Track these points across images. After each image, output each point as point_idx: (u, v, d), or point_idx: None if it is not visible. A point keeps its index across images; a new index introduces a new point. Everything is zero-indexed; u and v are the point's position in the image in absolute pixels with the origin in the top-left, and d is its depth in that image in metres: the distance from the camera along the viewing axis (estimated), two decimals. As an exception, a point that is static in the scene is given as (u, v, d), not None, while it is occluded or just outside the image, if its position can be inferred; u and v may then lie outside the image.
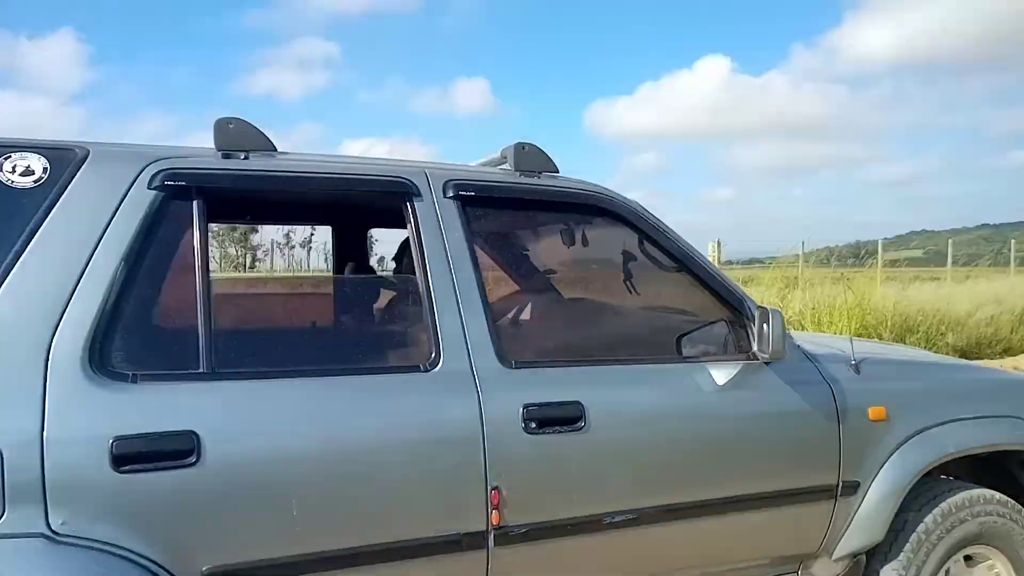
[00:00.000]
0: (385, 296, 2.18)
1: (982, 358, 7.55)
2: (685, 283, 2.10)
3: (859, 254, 9.80)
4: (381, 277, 2.15)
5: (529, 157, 1.97)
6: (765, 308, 1.97)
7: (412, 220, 1.80)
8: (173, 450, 1.43)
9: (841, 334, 5.72)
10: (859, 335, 6.39)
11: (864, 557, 2.16)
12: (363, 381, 1.72)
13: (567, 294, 2.54)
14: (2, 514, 1.31)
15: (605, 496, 1.83)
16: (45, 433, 1.35)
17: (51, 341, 1.41)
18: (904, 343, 6.67)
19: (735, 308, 2.05)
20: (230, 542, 1.50)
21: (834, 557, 2.15)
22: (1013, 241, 12.52)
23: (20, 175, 1.51)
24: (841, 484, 2.08)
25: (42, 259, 1.46)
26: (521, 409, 1.72)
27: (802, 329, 6.37)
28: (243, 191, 1.83)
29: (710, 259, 2.38)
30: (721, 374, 1.96)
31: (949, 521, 2.12)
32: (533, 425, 1.72)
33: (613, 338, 2.15)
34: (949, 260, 11.13)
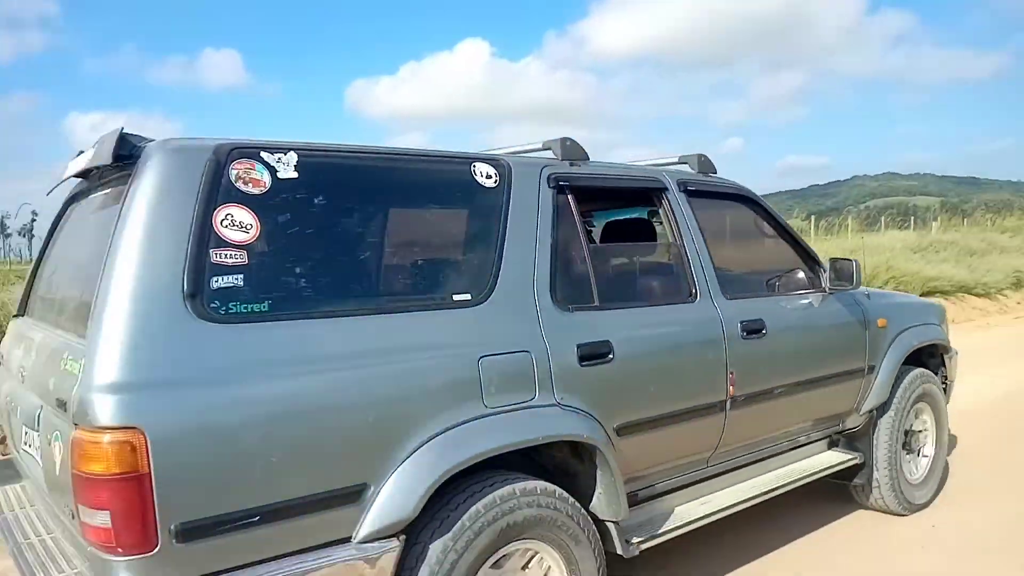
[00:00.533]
0: (660, 254, 3.23)
1: None
2: (791, 246, 3.46)
3: None
4: (657, 242, 3.21)
5: (570, 149, 2.70)
6: (833, 259, 3.35)
7: (667, 205, 2.93)
8: (601, 352, 2.40)
9: None
10: None
11: (875, 412, 3.63)
12: (669, 308, 2.83)
13: (740, 253, 3.69)
14: (535, 395, 2.21)
15: (775, 376, 3.06)
16: (548, 346, 2.26)
17: (534, 289, 2.32)
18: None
19: (815, 261, 3.42)
20: (630, 406, 2.51)
21: (860, 412, 3.58)
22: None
23: (485, 178, 2.36)
24: (868, 366, 3.52)
25: (515, 237, 2.35)
26: (739, 323, 2.87)
27: None
28: (591, 187, 2.78)
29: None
30: (816, 300, 3.30)
31: (915, 385, 3.76)
32: (745, 334, 2.88)
33: (769, 281, 3.36)
34: None
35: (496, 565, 2.16)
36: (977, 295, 14.39)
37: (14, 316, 2.87)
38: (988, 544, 3.49)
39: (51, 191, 2.48)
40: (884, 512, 3.82)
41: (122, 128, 1.83)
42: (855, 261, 3.26)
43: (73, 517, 1.67)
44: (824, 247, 12.35)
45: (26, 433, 2.11)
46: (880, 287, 12.11)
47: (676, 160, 3.31)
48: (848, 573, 3.26)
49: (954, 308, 13.44)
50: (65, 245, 2.56)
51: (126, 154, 1.82)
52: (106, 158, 1.81)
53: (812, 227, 16.47)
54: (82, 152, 2.12)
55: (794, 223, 17.73)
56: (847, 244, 13.52)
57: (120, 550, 1.55)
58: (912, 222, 19.52)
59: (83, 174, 2.12)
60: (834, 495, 3.95)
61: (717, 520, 2.87)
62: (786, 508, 3.74)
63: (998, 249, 16.87)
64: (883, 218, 19.75)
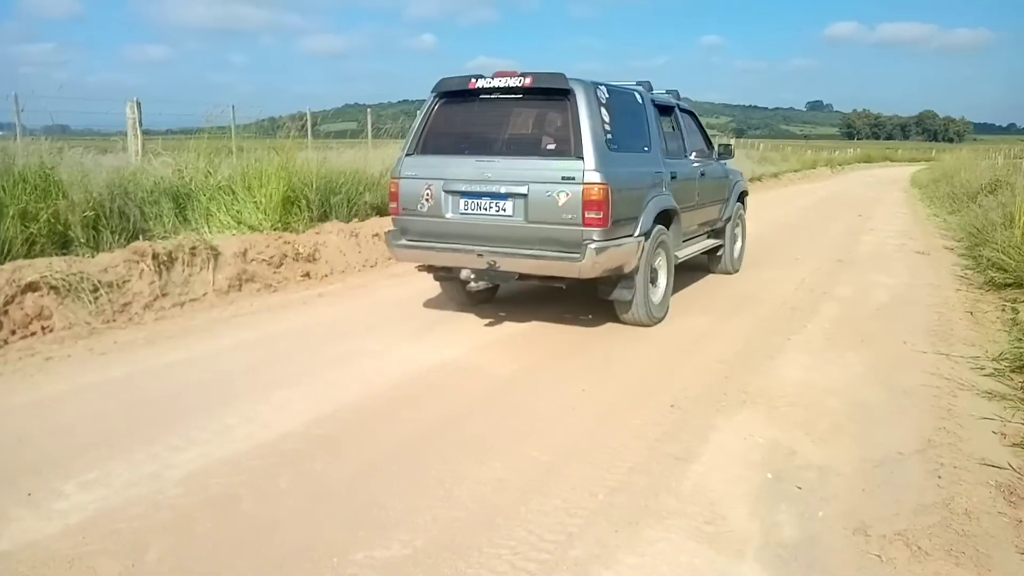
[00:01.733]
0: (679, 136, 6.65)
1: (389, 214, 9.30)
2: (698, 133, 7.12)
3: (300, 124, 10.24)
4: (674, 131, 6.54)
5: (648, 85, 6.12)
6: (721, 145, 7.84)
7: (676, 113, 6.65)
8: (674, 175, 5.86)
9: (273, 196, 7.18)
10: (288, 197, 7.40)
11: (727, 220, 7.33)
12: (687, 160, 6.46)
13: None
14: (664, 190, 5.59)
15: (697, 198, 6.43)
16: (665, 172, 5.67)
17: (661, 149, 5.82)
18: (336, 202, 8.33)
19: (711, 145, 7.24)
20: (680, 200, 5.86)
21: (722, 220, 7.26)
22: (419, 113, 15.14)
23: (642, 99, 5.74)
24: (728, 198, 7.41)
25: (651, 127, 5.79)
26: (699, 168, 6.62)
27: (232, 193, 7.20)
28: (657, 103, 6.06)
29: (128, 120, 7.99)
30: (712, 163, 7.02)
31: (740, 209, 7.80)
32: (701, 175, 6.68)
33: (699, 151, 6.89)
34: (369, 131, 12.70)
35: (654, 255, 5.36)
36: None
37: (407, 155, 5.31)
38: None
39: (469, 81, 5.07)
40: (726, 273, 7.61)
41: (563, 73, 4.78)
42: (730, 145, 8.16)
43: (570, 218, 4.57)
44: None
45: (476, 203, 4.92)
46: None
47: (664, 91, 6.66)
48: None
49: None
50: (476, 133, 5.24)
51: (557, 87, 4.79)
52: (542, 82, 4.82)
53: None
54: (499, 78, 4.91)
55: None
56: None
57: (600, 225, 4.52)
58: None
59: (495, 93, 5.00)
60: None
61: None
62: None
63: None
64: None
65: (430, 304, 5.97)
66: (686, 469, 2.95)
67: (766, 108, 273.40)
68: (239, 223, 7.09)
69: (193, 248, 5.91)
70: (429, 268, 5.43)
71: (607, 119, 4.76)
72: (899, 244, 10.14)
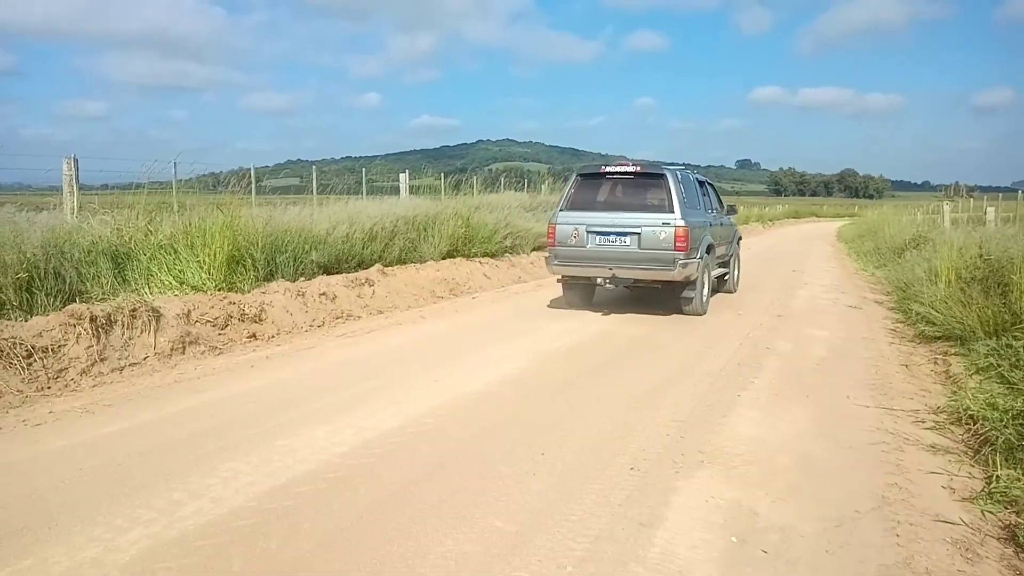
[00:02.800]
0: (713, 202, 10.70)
1: (341, 272, 9.18)
2: (720, 199, 10.93)
3: (243, 180, 10.26)
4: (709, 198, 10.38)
5: (687, 169, 10.01)
6: (730, 205, 11.54)
7: (708, 187, 10.44)
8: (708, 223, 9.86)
9: (218, 255, 7.12)
10: (233, 256, 7.34)
11: (730, 258, 10.96)
12: (719, 215, 10.54)
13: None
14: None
15: (719, 239, 9.83)
16: (708, 222, 9.57)
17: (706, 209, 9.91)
18: (281, 261, 8.36)
19: (722, 204, 10.99)
20: (716, 243, 9.69)
21: (728, 255, 10.69)
22: (364, 171, 15.54)
23: (691, 178, 9.58)
24: (732, 240, 11.08)
25: (702, 196, 9.84)
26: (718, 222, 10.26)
27: (175, 252, 7.09)
28: (698, 180, 9.96)
29: (65, 177, 7.83)
30: (724, 217, 10.71)
31: (737, 248, 11.75)
32: (719, 224, 10.23)
33: (719, 211, 10.65)
34: (315, 186, 13.06)
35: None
36: (576, 249, 16.70)
37: (561, 210, 8.77)
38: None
39: (596, 167, 9.06)
40: (729, 293, 10.95)
41: (670, 164, 8.92)
42: (733, 205, 12.07)
43: (660, 247, 8.12)
44: (454, 204, 13.00)
45: (604, 236, 8.45)
46: (500, 241, 13.28)
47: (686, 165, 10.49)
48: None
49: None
50: (602, 196, 8.92)
51: (655, 172, 8.59)
52: (647, 167, 8.73)
53: (443, 185, 17.03)
54: (619, 166, 8.83)
55: (427, 181, 18.86)
56: (472, 201, 14.38)
57: (683, 251, 8.02)
58: (525, 184, 21.56)
59: (620, 175, 8.88)
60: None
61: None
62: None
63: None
64: (502, 178, 21.27)
65: (382, 364, 5.88)
66: (652, 535, 2.94)
67: (699, 166, 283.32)
68: (181, 283, 6.90)
69: (133, 310, 5.71)
70: (572, 278, 8.98)
71: (683, 190, 8.49)
72: (832, 299, 10.54)
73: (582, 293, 9.27)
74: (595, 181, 8.98)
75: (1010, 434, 3.89)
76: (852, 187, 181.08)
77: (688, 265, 8.11)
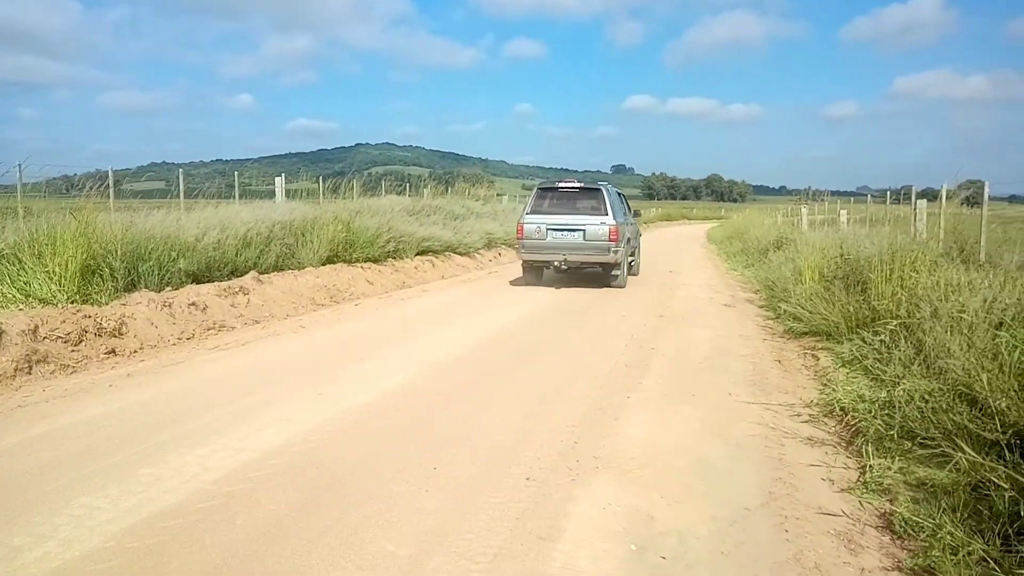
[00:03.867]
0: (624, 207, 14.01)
1: (213, 280, 8.69)
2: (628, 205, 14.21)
3: (101, 183, 9.74)
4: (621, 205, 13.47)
5: (613, 183, 13.67)
6: (636, 211, 16.32)
7: (623, 197, 13.88)
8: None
9: (70, 265, 6.54)
10: (88, 265, 6.82)
11: (635, 249, 14.19)
12: (628, 220, 13.58)
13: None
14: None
15: (631, 234, 13.75)
16: (624, 226, 12.99)
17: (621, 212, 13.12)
18: (145, 269, 7.69)
19: (631, 210, 14.45)
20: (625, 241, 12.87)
21: (635, 247, 14.14)
22: (237, 174, 14.65)
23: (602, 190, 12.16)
24: (638, 236, 15.05)
25: (615, 205, 12.29)
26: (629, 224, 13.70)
27: (19, 262, 6.64)
28: (618, 192, 13.40)
29: None
30: (632, 219, 14.24)
31: (639, 245, 15.13)
32: (629, 224, 13.75)
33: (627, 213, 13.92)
34: (182, 190, 12.62)
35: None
36: (460, 253, 16.56)
37: (527, 214, 12.07)
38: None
39: (552, 183, 12.59)
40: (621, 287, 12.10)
41: (600, 182, 12.49)
42: (639, 211, 17.70)
43: (598, 241, 11.47)
44: (333, 208, 12.57)
45: (559, 232, 11.69)
46: (383, 246, 12.97)
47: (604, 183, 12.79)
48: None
49: (444, 264, 15.20)
50: (556, 204, 12.10)
51: (593, 187, 12.10)
52: (587, 184, 12.25)
53: (321, 189, 16.47)
54: (567, 183, 12.33)
55: (304, 185, 18.23)
56: (353, 205, 13.98)
57: (615, 241, 11.47)
58: (407, 188, 21.23)
59: (569, 190, 12.22)
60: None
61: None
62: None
63: (474, 214, 19.62)
64: (383, 182, 20.87)
65: (260, 378, 5.51)
66: (552, 549, 2.85)
67: (577, 171, 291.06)
68: (27, 296, 6.22)
69: (-34, 328, 5.05)
70: (534, 262, 12.20)
71: (617, 199, 12.20)
72: (708, 298, 10.99)
73: (536, 274, 12.75)
74: (551, 193, 12.37)
75: (879, 424, 4.12)
76: (718, 191, 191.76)
77: (617, 252, 11.61)
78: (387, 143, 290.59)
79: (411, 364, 6.03)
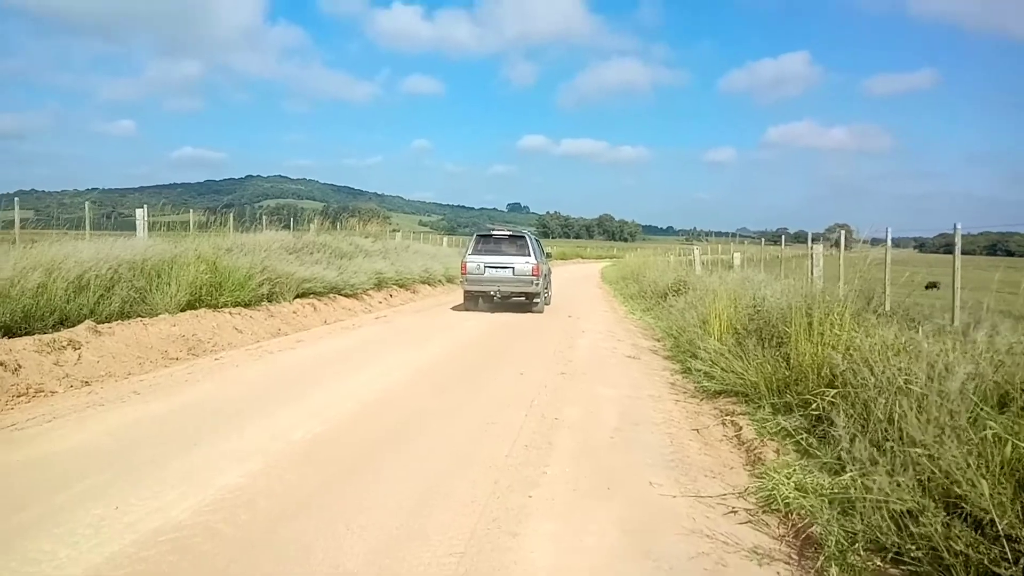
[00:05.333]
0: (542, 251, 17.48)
1: (33, 333, 7.45)
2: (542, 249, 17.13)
3: None
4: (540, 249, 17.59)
5: (535, 232, 22.23)
6: (549, 253, 20.85)
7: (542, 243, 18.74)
8: (545, 272, 18.67)
9: None
10: None
11: (548, 284, 17.24)
12: (545, 261, 18.36)
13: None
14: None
15: (546, 277, 17.23)
16: (543, 265, 17.49)
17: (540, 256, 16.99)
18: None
19: (543, 252, 17.31)
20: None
21: (548, 282, 17.18)
22: (88, 204, 13.28)
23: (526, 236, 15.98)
24: (550, 273, 18.31)
25: (535, 249, 15.64)
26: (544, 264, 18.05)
27: None
28: (537, 238, 17.78)
29: None
30: (546, 260, 18.02)
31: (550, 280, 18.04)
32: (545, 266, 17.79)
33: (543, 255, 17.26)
34: (17, 221, 11.59)
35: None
36: (346, 295, 15.27)
37: (470, 254, 15.48)
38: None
39: (488, 230, 16.29)
40: (540, 312, 15.24)
41: (523, 229, 16.76)
42: (551, 253, 23.44)
43: (524, 276, 14.73)
44: (198, 245, 11.08)
45: (494, 269, 14.80)
46: (255, 289, 11.54)
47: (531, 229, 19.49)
48: None
49: (327, 308, 13.87)
50: (492, 248, 15.24)
51: (519, 234, 15.74)
52: (515, 232, 15.99)
53: (191, 223, 14.90)
54: (499, 230, 16.27)
55: (193, 217, 16.50)
56: (224, 242, 12.51)
57: (537, 276, 14.84)
58: (292, 222, 19.80)
59: (501, 236, 15.74)
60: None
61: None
62: None
63: (364, 253, 18.36)
64: (265, 218, 19.40)
65: (43, 483, 4.15)
66: None
67: (473, 208, 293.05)
68: None
69: None
70: (475, 292, 15.09)
71: (536, 244, 15.60)
72: (610, 347, 10.27)
73: (475, 301, 15.52)
74: (487, 238, 15.59)
75: (838, 533, 3.33)
76: (610, 230, 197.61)
77: (538, 284, 14.91)
78: (280, 175, 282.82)
79: (256, 454, 4.75)
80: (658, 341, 11.33)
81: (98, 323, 8.43)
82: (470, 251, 15.20)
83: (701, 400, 6.88)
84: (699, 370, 7.31)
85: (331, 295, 14.66)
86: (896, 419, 4.04)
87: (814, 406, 5.01)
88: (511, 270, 14.67)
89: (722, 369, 7.09)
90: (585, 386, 7.34)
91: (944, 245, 10.07)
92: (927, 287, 10.47)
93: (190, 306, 10.22)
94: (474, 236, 15.86)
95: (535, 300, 15.18)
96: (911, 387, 4.23)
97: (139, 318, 9.20)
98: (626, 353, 9.80)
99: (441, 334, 11.37)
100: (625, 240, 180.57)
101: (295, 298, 13.13)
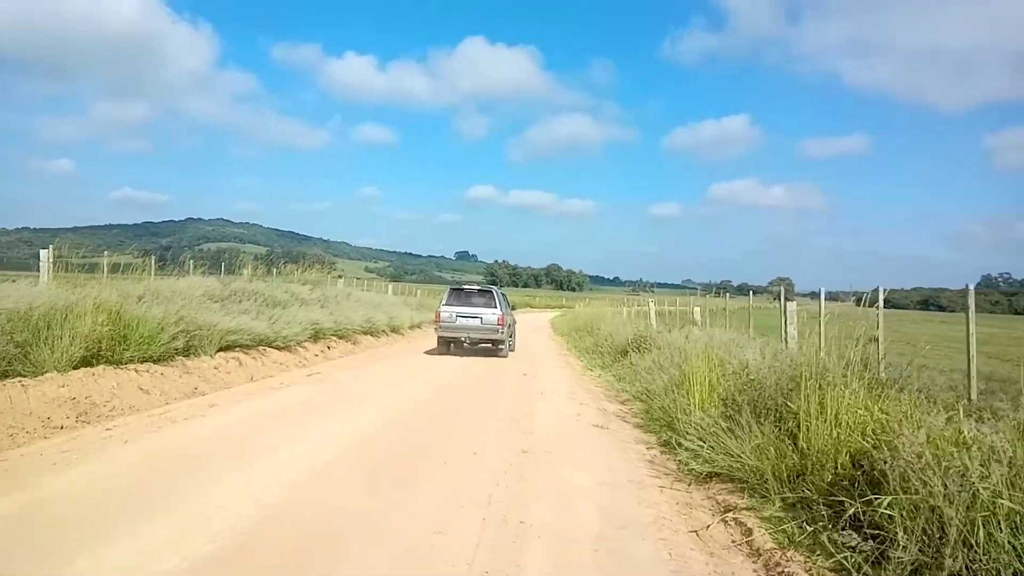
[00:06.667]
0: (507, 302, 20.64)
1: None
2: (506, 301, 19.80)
3: None
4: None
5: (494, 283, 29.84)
6: (511, 306, 24.75)
7: (503, 294, 20.22)
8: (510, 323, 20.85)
9: None
10: None
11: (512, 332, 19.01)
12: (508, 311, 21.10)
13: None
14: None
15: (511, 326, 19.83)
16: (508, 316, 20.42)
17: (505, 308, 19.34)
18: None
19: (508, 303, 20.38)
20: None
21: (513, 330, 19.16)
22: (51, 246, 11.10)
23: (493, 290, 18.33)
24: (514, 322, 20.15)
25: (500, 301, 17.73)
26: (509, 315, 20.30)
27: None
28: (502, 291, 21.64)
29: None
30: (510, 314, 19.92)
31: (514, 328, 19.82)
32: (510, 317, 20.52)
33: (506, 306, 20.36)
34: None
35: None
36: (278, 347, 13.82)
37: (443, 305, 17.22)
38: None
39: (459, 284, 18.09)
40: (504, 357, 16.93)
41: (489, 283, 21.16)
42: (514, 305, 31.87)
43: (491, 325, 16.57)
44: (96, 292, 9.54)
45: (465, 319, 16.65)
46: (168, 342, 10.03)
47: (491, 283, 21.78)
48: None
49: (255, 363, 12.39)
50: (462, 299, 17.14)
51: (487, 289, 17.87)
52: (483, 286, 18.07)
53: (105, 266, 13.34)
54: (470, 283, 18.40)
55: (126, 258, 14.97)
56: (133, 288, 10.99)
57: (502, 325, 16.72)
58: (222, 268, 18.31)
59: (471, 290, 17.62)
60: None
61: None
62: None
63: (299, 301, 16.92)
64: (192, 262, 17.85)
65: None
66: None
67: (421, 255, 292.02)
68: None
69: None
70: (447, 339, 17.12)
71: (502, 297, 17.93)
72: (574, 413, 9.11)
73: (446, 346, 17.32)
74: (458, 291, 17.35)
75: None
76: (558, 280, 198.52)
77: (503, 332, 16.58)
78: (222, 219, 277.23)
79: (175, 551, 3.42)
80: (623, 404, 10.25)
81: (-42, 385, 6.93)
82: (444, 302, 17.10)
83: (689, 485, 5.77)
84: (686, 448, 6.18)
85: (261, 348, 13.18)
86: (983, 544, 2.99)
87: (851, 511, 3.94)
88: (480, 319, 16.47)
89: (710, 447, 6.02)
90: (552, 469, 6.11)
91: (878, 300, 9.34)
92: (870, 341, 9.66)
93: (86, 363, 8.71)
94: (448, 289, 17.91)
95: (500, 346, 16.93)
96: (1000, 500, 3.19)
97: (19, 378, 7.68)
98: (592, 420, 8.65)
99: (380, 396, 10.00)
100: (573, 290, 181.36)
101: (218, 351, 11.64)
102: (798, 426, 5.30)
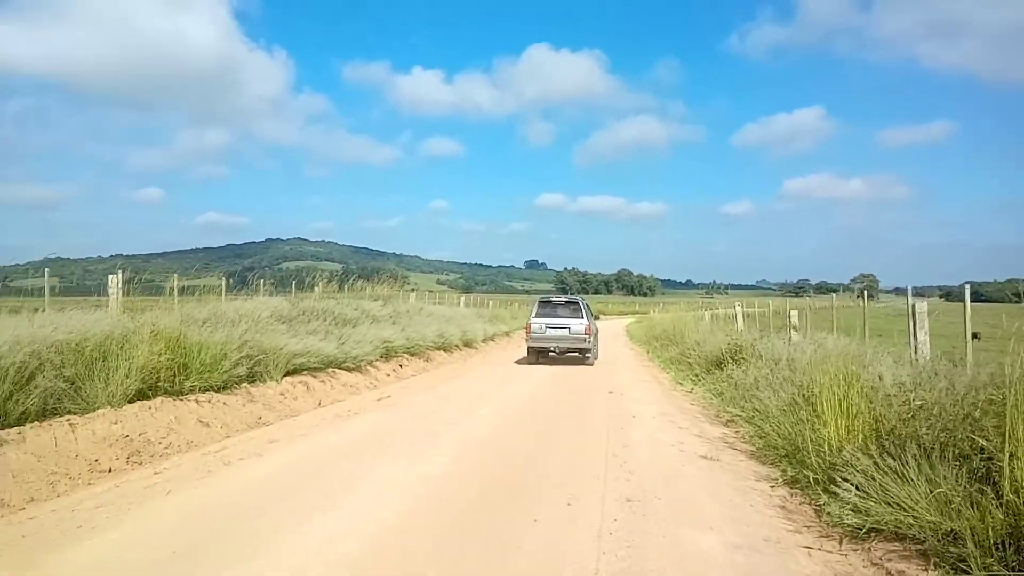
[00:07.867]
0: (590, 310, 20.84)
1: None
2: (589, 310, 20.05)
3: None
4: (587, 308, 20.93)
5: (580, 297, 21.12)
6: (595, 315, 22.16)
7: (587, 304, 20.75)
8: (595, 329, 22.07)
9: None
10: None
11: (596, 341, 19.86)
12: (593, 320, 22.16)
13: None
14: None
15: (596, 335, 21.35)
16: (593, 326, 21.62)
17: (591, 319, 20.13)
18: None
19: (591, 312, 19.99)
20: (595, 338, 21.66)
21: (597, 339, 19.83)
22: (47, 270, 11.72)
23: (577, 300, 19.88)
24: (598, 331, 20.83)
25: (585, 311, 18.85)
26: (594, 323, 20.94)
27: None
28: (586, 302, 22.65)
29: None
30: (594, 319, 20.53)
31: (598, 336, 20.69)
32: (595, 326, 21.81)
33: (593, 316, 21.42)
34: (47, 291, 10.03)
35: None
36: (347, 369, 13.13)
37: (533, 317, 18.59)
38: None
39: (547, 297, 19.55)
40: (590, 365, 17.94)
41: (575, 295, 20.54)
42: (599, 315, 29.66)
43: (578, 334, 17.74)
44: (153, 318, 8.95)
45: (553, 329, 17.93)
46: (230, 369, 9.37)
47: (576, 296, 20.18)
48: None
49: (323, 386, 11.70)
50: (550, 311, 18.48)
51: (573, 300, 19.25)
52: (570, 298, 19.36)
53: (175, 289, 12.99)
54: (557, 297, 19.40)
55: (210, 282, 14.79)
56: (198, 312, 10.42)
57: (589, 335, 17.87)
58: (294, 286, 17.91)
59: (558, 301, 19.11)
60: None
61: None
62: None
63: (370, 318, 16.27)
64: (263, 282, 17.46)
65: None
66: None
67: (490, 266, 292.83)
68: None
69: None
70: (536, 348, 18.23)
71: (586, 308, 18.98)
72: (676, 442, 7.92)
73: (536, 355, 18.41)
74: (547, 304, 18.82)
75: None
76: (628, 285, 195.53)
77: (589, 341, 17.74)
78: (299, 238, 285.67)
79: None
80: (726, 426, 9.01)
81: (6, 427, 6.36)
82: (533, 314, 18.39)
83: (841, 543, 4.56)
84: (844, 499, 4.93)
85: (330, 370, 12.52)
86: None
87: None
88: (567, 329, 17.63)
89: (864, 493, 4.79)
90: (667, 527, 4.93)
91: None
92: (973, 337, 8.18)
93: (142, 395, 8.11)
94: (536, 302, 19.24)
95: (587, 354, 17.90)
96: None
97: (67, 416, 7.08)
98: (698, 450, 7.45)
99: (454, 426, 9.02)
100: (644, 295, 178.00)
101: (284, 376, 11.00)
102: (999, 470, 4.04)
